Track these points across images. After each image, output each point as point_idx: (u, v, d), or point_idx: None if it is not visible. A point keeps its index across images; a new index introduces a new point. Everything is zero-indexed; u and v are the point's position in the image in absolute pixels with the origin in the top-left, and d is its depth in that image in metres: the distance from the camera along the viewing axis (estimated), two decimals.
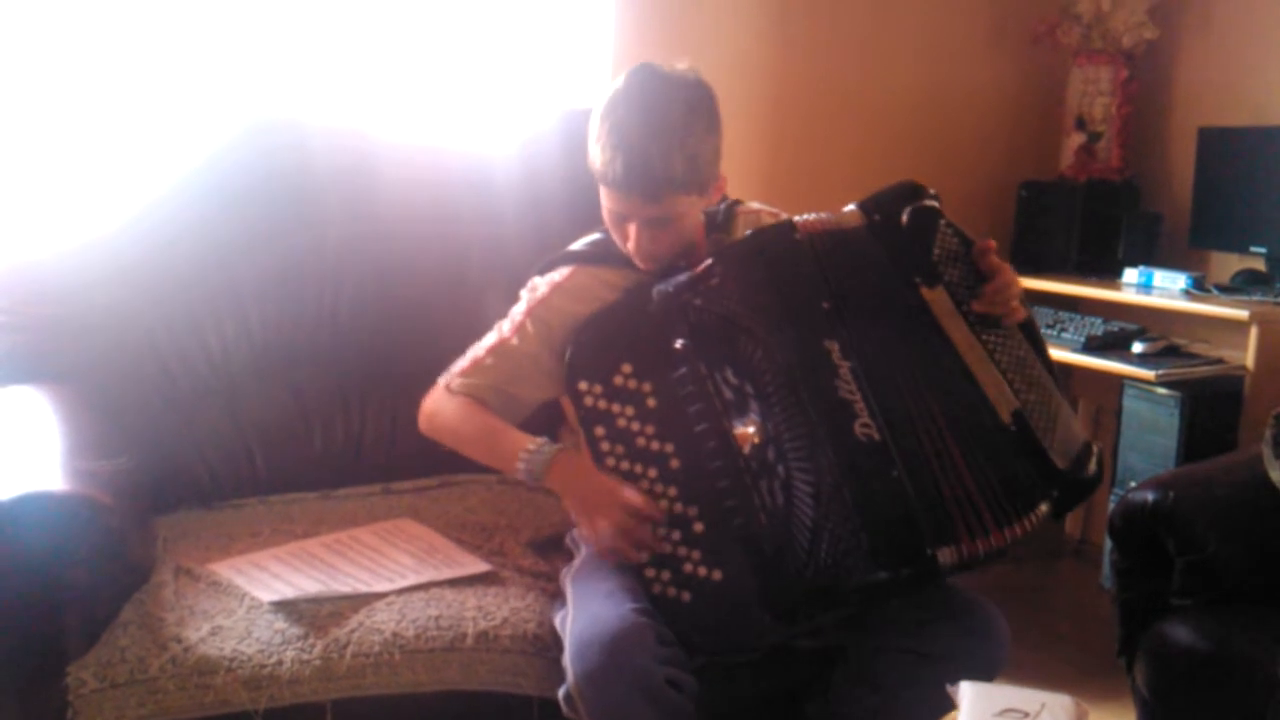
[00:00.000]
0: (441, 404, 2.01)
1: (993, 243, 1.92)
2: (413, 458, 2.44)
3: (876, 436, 1.77)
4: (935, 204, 1.95)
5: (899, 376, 1.82)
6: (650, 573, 1.81)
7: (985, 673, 1.75)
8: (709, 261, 1.88)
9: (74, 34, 2.70)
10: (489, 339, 2.02)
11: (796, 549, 1.74)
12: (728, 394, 1.82)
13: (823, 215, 1.92)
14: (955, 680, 1.74)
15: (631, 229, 1.90)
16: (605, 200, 1.91)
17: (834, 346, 1.81)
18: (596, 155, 1.88)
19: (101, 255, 2.33)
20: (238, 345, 2.42)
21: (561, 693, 1.74)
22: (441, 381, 2.03)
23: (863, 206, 1.94)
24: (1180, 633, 2.11)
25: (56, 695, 1.69)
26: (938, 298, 1.87)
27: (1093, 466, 1.88)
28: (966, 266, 1.91)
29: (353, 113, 2.65)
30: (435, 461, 2.41)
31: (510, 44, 3.20)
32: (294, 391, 2.45)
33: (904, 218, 1.92)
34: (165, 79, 2.78)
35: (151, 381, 2.33)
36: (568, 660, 1.72)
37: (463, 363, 2.02)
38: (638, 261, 1.95)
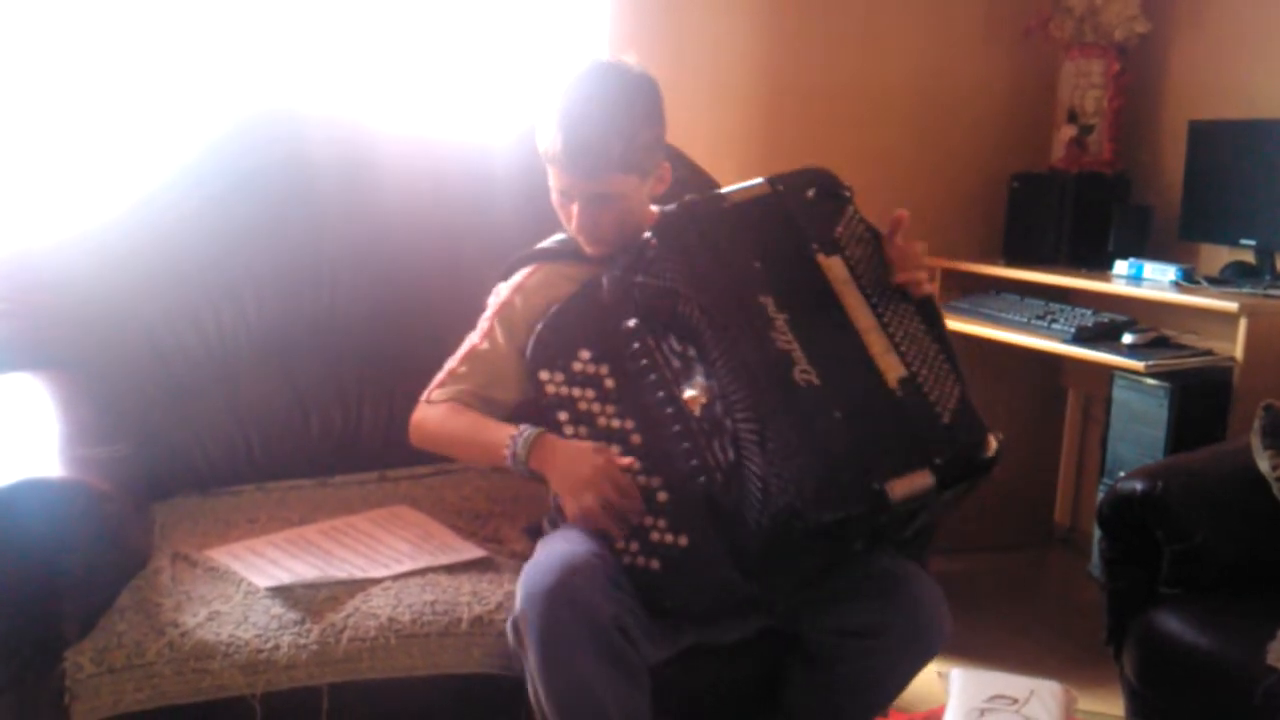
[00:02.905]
0: (425, 413, 2.07)
1: (904, 213, 1.97)
2: (408, 446, 2.42)
3: (816, 381, 1.81)
4: (848, 194, 2.01)
5: (823, 331, 1.87)
6: (620, 545, 1.85)
7: (917, 645, 1.77)
8: (646, 235, 1.95)
9: (75, 25, 2.70)
10: (461, 349, 2.08)
11: (751, 500, 1.77)
12: (675, 362, 1.88)
13: (736, 186, 2.00)
14: (887, 654, 1.80)
15: (574, 207, 1.98)
16: (551, 180, 2.00)
17: (769, 301, 1.86)
18: (543, 136, 1.97)
19: (100, 244, 2.34)
20: (235, 333, 2.43)
21: (509, 621, 1.78)
22: (423, 397, 2.08)
23: (769, 179, 2.01)
24: (1169, 621, 2.13)
25: (54, 680, 1.70)
26: (833, 265, 1.92)
27: (991, 447, 1.83)
28: (872, 251, 1.96)
29: (350, 104, 2.66)
30: None
31: (507, 34, 3.21)
32: (291, 379, 2.45)
33: (809, 193, 1.99)
34: (164, 70, 2.78)
35: (149, 369, 2.34)
36: (518, 585, 1.77)
37: (439, 376, 2.08)
38: (582, 242, 2.03)
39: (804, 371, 1.81)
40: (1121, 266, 3.48)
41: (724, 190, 2.00)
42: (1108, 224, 3.65)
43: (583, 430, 1.91)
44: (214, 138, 2.46)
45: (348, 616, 1.84)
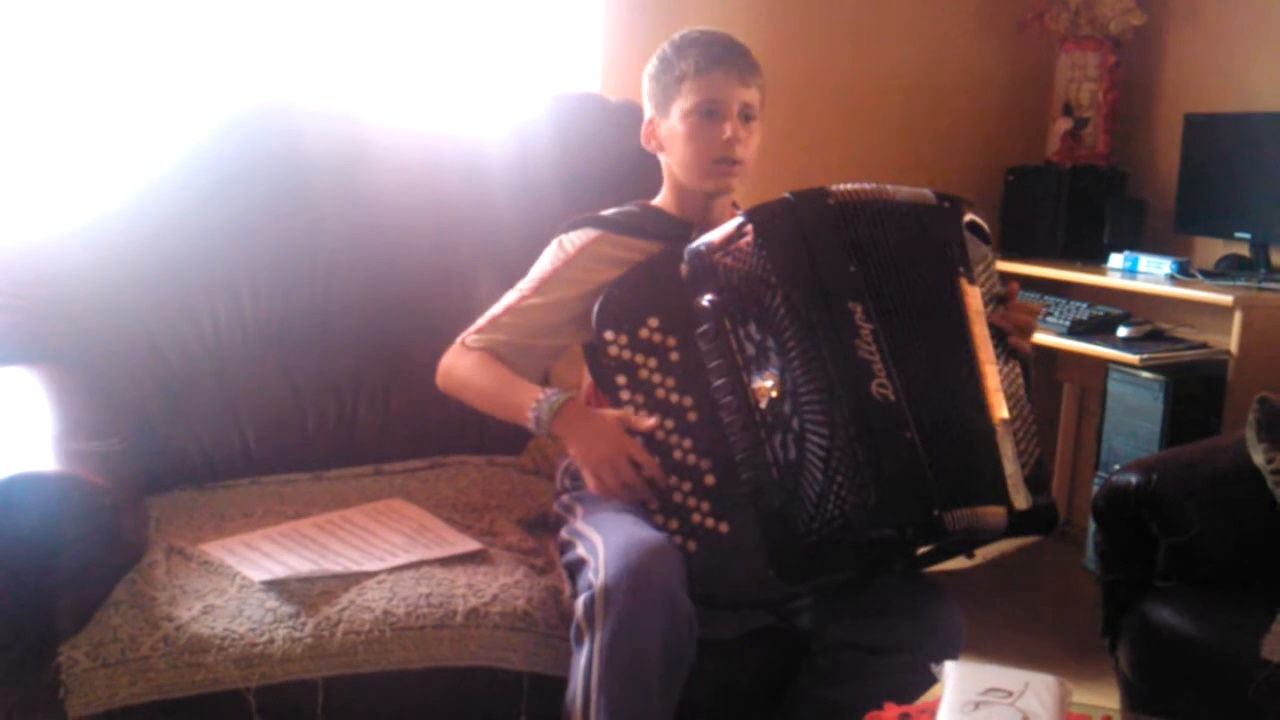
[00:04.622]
0: (457, 359, 2.06)
1: (1015, 285, 2.01)
2: (404, 439, 2.46)
3: (892, 397, 1.77)
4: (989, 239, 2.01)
5: (920, 349, 1.83)
6: (659, 520, 1.85)
7: (928, 668, 1.76)
8: (740, 220, 1.89)
9: (69, 20, 2.69)
10: (508, 298, 2.07)
11: (804, 503, 1.75)
12: (750, 349, 1.83)
13: (873, 185, 1.92)
14: (893, 673, 1.80)
15: (726, 125, 1.99)
16: (694, 98, 2.00)
17: (858, 308, 1.81)
18: (677, 62, 2.02)
19: (95, 238, 2.34)
20: (230, 327, 2.42)
21: (583, 599, 1.75)
22: (458, 339, 2.07)
23: (936, 193, 1.96)
24: (1163, 614, 2.13)
25: (49, 674, 1.70)
26: (972, 293, 1.88)
27: (1051, 511, 1.89)
28: (1000, 296, 1.96)
29: (345, 98, 2.65)
30: (426, 443, 2.44)
31: (502, 29, 3.21)
32: (286, 373, 2.45)
33: (964, 219, 1.95)
34: (159, 64, 2.78)
35: (144, 363, 2.33)
36: (602, 563, 1.75)
37: (480, 322, 2.07)
38: (723, 170, 2.02)
39: (881, 385, 1.77)
40: (1117, 259, 3.49)
41: (846, 186, 1.91)
42: (1103, 217, 3.66)
43: (639, 399, 1.90)
44: (209, 131, 2.45)
45: (342, 610, 1.83)
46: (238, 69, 2.86)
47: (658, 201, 2.13)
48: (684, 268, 1.92)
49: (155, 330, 2.36)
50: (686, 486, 1.86)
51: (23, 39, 2.65)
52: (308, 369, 2.46)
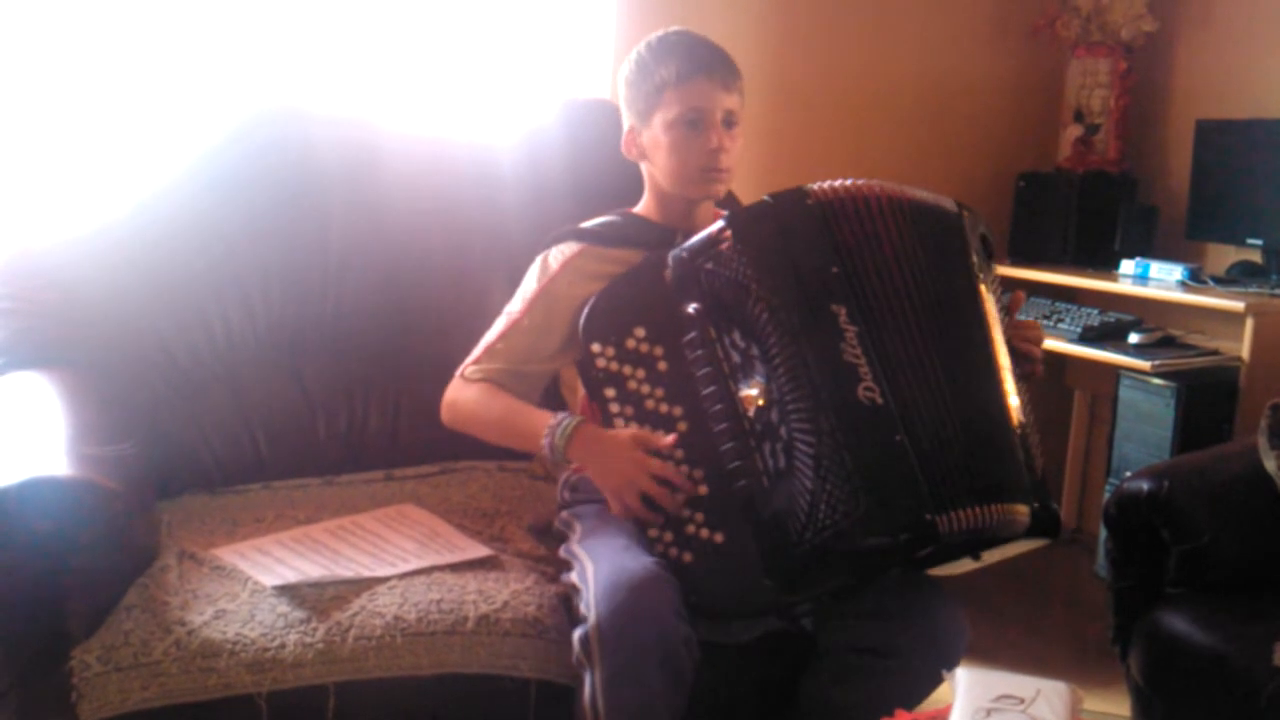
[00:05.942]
0: (460, 392, 2.05)
1: (1022, 294, 2.01)
2: (415, 445, 2.46)
3: (880, 401, 1.75)
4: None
5: (917, 350, 1.80)
6: (654, 533, 1.85)
7: (928, 671, 1.75)
8: (720, 224, 1.88)
9: (82, 23, 2.70)
10: (499, 325, 2.06)
11: (796, 512, 1.74)
12: (735, 357, 1.82)
13: (860, 181, 1.88)
14: (890, 675, 1.79)
15: (714, 134, 1.97)
16: (676, 107, 1.97)
17: (842, 311, 1.78)
18: (657, 69, 1.98)
19: (108, 243, 2.34)
20: (242, 332, 2.43)
21: (578, 634, 1.76)
22: (458, 372, 2.06)
23: (956, 202, 1.95)
24: (1174, 621, 2.12)
25: (61, 678, 1.71)
26: (989, 299, 1.88)
27: (1054, 514, 1.88)
28: (1004, 314, 1.95)
29: (357, 103, 2.66)
30: (437, 449, 2.43)
31: (513, 34, 3.21)
32: (298, 378, 2.46)
33: (977, 232, 1.94)
34: (171, 68, 2.79)
35: (156, 368, 2.34)
36: (592, 600, 1.74)
37: (476, 352, 2.05)
38: (710, 177, 2.00)
39: (868, 389, 1.74)
40: (1128, 266, 3.49)
41: (824, 184, 1.87)
42: (1114, 223, 3.65)
43: (629, 410, 1.89)
44: (221, 137, 2.46)
45: (354, 615, 1.84)
46: (250, 75, 2.87)
47: (640, 208, 2.12)
48: (668, 273, 1.91)
49: (167, 335, 2.36)
50: (680, 497, 1.85)
51: (36, 43, 2.66)
52: (319, 374, 2.47)
